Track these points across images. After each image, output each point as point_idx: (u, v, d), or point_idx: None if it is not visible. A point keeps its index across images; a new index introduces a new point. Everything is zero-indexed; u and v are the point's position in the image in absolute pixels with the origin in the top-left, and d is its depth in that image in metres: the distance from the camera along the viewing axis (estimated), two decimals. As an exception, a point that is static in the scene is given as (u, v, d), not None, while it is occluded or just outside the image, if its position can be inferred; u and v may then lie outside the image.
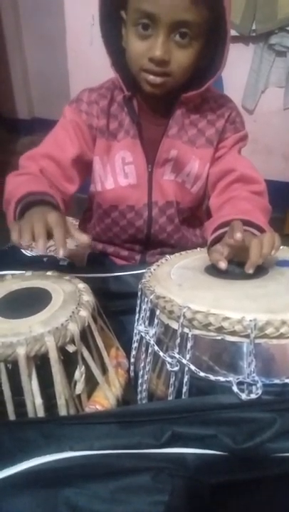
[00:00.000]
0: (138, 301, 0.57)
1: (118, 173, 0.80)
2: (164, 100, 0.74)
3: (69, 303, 0.51)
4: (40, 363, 0.46)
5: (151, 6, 0.62)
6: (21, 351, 0.44)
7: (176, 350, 0.47)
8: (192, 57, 0.67)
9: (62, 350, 0.47)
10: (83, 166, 0.80)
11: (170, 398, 0.48)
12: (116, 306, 0.65)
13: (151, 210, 0.83)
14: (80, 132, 0.78)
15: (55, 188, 0.73)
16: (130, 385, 0.55)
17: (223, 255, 0.57)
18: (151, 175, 0.80)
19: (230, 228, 0.58)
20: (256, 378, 0.42)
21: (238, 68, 1.94)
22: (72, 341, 0.47)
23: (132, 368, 0.56)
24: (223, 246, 0.58)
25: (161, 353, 0.49)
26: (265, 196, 0.77)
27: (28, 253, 0.89)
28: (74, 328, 0.47)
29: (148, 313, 0.53)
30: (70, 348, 0.47)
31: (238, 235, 0.54)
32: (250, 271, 0.53)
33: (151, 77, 0.67)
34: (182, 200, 0.83)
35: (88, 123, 0.77)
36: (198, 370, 0.45)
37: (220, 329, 0.44)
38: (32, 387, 0.46)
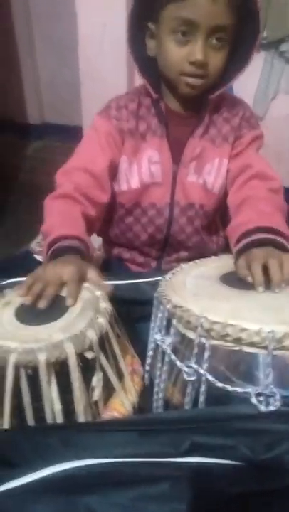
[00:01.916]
0: (153, 310, 0.58)
1: (144, 172, 0.82)
2: (191, 102, 0.78)
3: (87, 310, 0.52)
4: (60, 369, 0.46)
5: (191, 13, 0.66)
6: (42, 357, 0.45)
7: (194, 359, 0.47)
8: (225, 58, 0.71)
9: (81, 356, 0.47)
10: (116, 172, 0.83)
11: (186, 407, 0.48)
12: (130, 314, 0.65)
13: (172, 210, 0.85)
14: (111, 139, 0.80)
15: (90, 203, 0.76)
16: (145, 392, 0.56)
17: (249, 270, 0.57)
18: (175, 175, 0.83)
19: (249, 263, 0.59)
20: (274, 390, 0.43)
21: (249, 75, 1.92)
22: (91, 348, 0.48)
23: (146, 376, 0.57)
24: (249, 262, 0.59)
25: (178, 363, 0.49)
26: (282, 194, 0.79)
27: (40, 258, 0.90)
28: (92, 335, 0.48)
29: (164, 322, 0.54)
30: (89, 355, 0.48)
31: (261, 289, 0.54)
32: (277, 290, 0.54)
33: (191, 80, 0.72)
34: (207, 202, 0.85)
35: (119, 128, 0.80)
36: (215, 380, 0.45)
37: (238, 340, 0.44)
38: (51, 393, 0.46)
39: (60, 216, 0.72)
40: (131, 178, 0.83)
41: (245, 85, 1.97)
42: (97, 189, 0.78)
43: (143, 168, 0.82)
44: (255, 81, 1.97)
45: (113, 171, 0.82)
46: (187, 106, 0.79)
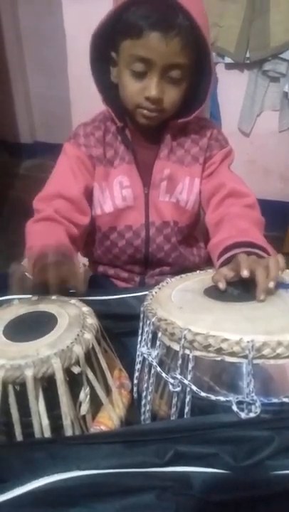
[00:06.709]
0: (140, 324, 0.59)
1: (116, 197, 0.84)
2: (155, 127, 0.81)
3: (74, 326, 0.53)
4: (47, 384, 0.47)
5: (147, 52, 0.68)
6: (29, 373, 0.46)
7: (178, 371, 0.48)
8: (182, 93, 0.74)
9: (67, 371, 0.48)
10: (92, 196, 0.85)
11: (172, 418, 0.49)
12: (118, 328, 0.67)
13: (148, 230, 0.87)
14: (82, 165, 0.83)
15: (72, 224, 0.78)
16: (133, 405, 0.57)
17: (226, 277, 0.59)
18: (147, 197, 0.85)
19: (236, 262, 0.61)
20: (255, 398, 0.44)
21: (234, 93, 2.01)
22: (78, 363, 0.49)
23: (135, 389, 0.58)
24: (229, 270, 0.61)
25: (163, 374, 0.50)
26: (257, 208, 0.82)
27: (30, 276, 0.91)
28: (79, 350, 0.49)
29: (150, 336, 0.55)
30: (76, 370, 0.49)
31: (245, 273, 0.57)
32: (262, 297, 0.54)
33: (146, 112, 0.75)
34: (180, 219, 0.87)
35: (88, 154, 0.83)
36: (199, 390, 0.47)
37: (219, 350, 0.46)
38: (39, 408, 0.47)
39: (44, 234, 0.74)
40: (104, 204, 0.85)
41: (231, 103, 2.04)
42: (76, 212, 0.80)
43: (115, 193, 0.84)
44: (241, 99, 2.03)
45: (89, 195, 0.84)
46: (151, 131, 0.83)
